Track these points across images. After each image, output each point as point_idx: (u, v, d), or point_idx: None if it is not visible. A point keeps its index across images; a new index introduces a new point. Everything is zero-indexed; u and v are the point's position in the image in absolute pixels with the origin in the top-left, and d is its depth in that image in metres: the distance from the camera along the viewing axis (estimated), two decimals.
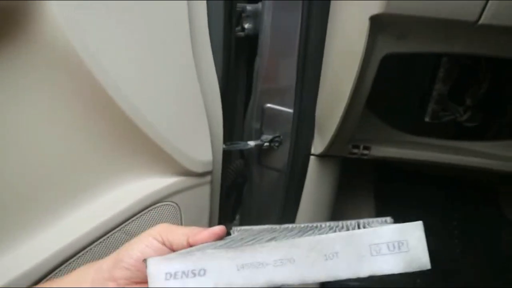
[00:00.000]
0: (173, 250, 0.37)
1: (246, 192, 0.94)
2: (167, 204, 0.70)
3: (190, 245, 0.36)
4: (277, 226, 0.44)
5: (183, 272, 0.28)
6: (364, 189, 0.99)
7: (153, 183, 0.67)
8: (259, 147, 0.84)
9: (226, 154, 0.82)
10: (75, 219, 0.61)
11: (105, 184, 0.63)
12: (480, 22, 0.56)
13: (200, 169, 0.71)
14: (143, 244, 0.37)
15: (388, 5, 0.56)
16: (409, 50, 0.65)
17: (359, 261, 0.26)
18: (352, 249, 0.26)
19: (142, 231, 0.65)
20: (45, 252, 0.57)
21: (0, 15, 0.46)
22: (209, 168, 0.72)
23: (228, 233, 0.41)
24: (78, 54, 0.51)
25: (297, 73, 0.76)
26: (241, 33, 0.80)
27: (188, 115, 0.68)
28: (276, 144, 0.84)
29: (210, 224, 0.81)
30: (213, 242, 0.35)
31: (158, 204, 0.69)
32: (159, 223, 0.68)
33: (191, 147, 0.68)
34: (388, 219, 0.36)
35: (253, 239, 0.33)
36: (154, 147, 0.63)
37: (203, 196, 0.75)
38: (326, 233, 0.30)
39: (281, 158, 0.84)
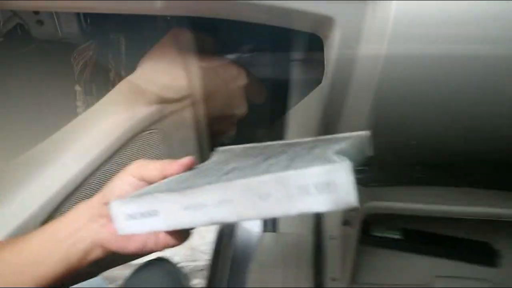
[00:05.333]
0: (151, 184, 0.39)
1: None
2: (151, 132, 0.74)
3: (165, 178, 0.38)
4: (258, 144, 0.47)
5: (141, 213, 0.33)
6: None
7: (136, 113, 0.71)
8: None
9: None
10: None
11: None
12: None
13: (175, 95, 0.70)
14: (122, 182, 0.39)
15: None
16: None
17: (289, 201, 0.28)
18: (282, 189, 0.28)
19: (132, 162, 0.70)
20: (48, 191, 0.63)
21: None
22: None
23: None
24: None
25: None
26: None
27: None
28: None
29: (199, 151, 0.83)
30: (169, 180, 0.38)
31: (143, 133, 0.73)
32: (147, 151, 0.73)
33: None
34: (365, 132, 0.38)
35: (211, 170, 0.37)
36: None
37: (185, 121, 0.75)
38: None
39: None
